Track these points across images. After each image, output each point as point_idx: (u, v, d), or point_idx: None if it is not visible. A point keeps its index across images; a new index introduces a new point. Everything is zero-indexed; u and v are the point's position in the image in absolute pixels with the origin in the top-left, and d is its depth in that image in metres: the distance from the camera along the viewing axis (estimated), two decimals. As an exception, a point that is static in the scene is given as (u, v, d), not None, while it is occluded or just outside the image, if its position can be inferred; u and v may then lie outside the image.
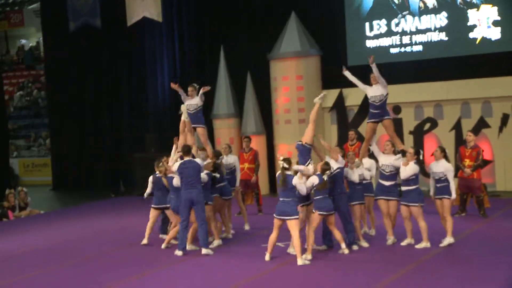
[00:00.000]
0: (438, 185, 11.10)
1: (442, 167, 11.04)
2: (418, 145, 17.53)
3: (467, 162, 13.22)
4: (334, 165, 10.81)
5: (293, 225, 10.21)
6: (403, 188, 10.94)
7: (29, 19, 34.02)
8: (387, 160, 11.19)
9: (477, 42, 17.10)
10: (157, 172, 12.06)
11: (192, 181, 11.15)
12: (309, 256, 10.43)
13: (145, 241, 12.23)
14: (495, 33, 16.94)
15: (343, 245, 10.72)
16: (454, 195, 10.97)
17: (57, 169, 23.20)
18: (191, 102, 12.66)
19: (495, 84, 16.81)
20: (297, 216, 10.26)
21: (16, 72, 34.39)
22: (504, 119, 16.89)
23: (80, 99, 22.62)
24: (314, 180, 10.56)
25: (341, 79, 18.94)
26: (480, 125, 17.02)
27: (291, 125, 18.62)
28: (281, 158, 10.50)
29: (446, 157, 11.15)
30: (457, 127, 17.36)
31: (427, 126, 17.78)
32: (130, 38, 21.75)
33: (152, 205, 12.36)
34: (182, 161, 11.36)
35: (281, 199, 10.39)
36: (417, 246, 10.82)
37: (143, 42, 21.65)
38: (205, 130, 12.77)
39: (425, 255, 10.34)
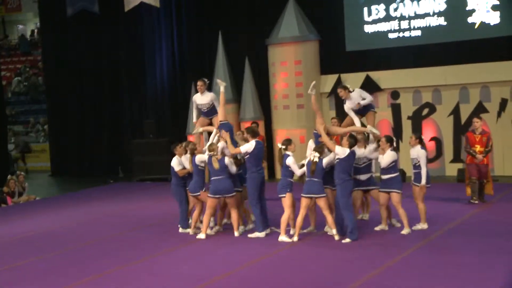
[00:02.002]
0: (414, 171, 11.33)
1: (416, 153, 11.22)
2: (417, 131, 17.57)
3: (478, 148, 13.17)
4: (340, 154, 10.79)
5: (321, 203, 10.65)
6: (383, 177, 11.04)
7: (27, 4, 33.85)
8: (359, 152, 11.25)
9: (476, 26, 17.04)
10: (210, 153, 11.37)
11: (260, 162, 11.31)
12: (296, 239, 10.80)
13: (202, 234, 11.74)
14: (494, 18, 16.88)
15: (333, 231, 10.81)
16: (423, 182, 11.11)
17: (55, 155, 23.20)
18: (203, 102, 12.36)
19: (493, 69, 16.78)
20: (323, 194, 10.67)
21: (14, 58, 34.30)
22: (503, 104, 16.88)
23: (79, 85, 22.57)
24: (305, 162, 10.94)
25: (339, 64, 19.14)
26: (479, 110, 17.01)
27: (289, 110, 18.63)
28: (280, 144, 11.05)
29: (421, 143, 11.30)
30: (456, 112, 17.36)
31: (426, 111, 17.78)
32: (128, 24, 21.67)
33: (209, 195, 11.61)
34: (257, 142, 11.35)
35: (307, 179, 10.81)
36: (402, 232, 10.91)
37: (141, 27, 21.56)
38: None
39: (418, 242, 10.38)
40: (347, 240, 10.62)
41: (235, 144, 11.77)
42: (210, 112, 12.44)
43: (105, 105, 22.33)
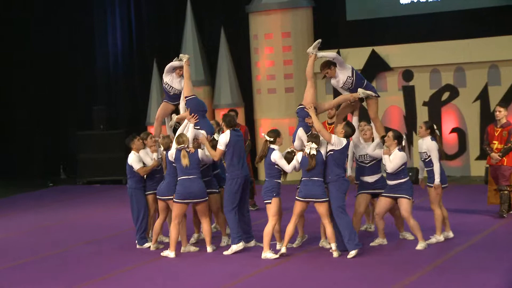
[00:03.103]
0: (426, 168, 11.36)
1: (425, 146, 11.24)
2: (435, 120, 17.55)
3: (496, 144, 12.90)
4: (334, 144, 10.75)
5: (321, 209, 10.65)
6: (390, 182, 10.98)
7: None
8: (364, 149, 11.27)
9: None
10: (180, 146, 11.26)
11: (240, 157, 11.33)
12: (284, 251, 10.75)
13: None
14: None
15: (333, 246, 10.69)
16: (437, 180, 11.11)
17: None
18: (177, 87, 12.36)
19: (531, 42, 16.87)
20: (326, 198, 10.65)
21: None
22: (543, 86, 16.98)
23: (8, 70, 22.27)
24: (298, 157, 10.83)
25: (338, 37, 19.10)
26: (512, 95, 17.05)
27: (276, 95, 18.55)
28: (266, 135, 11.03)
29: (432, 134, 11.28)
30: (483, 96, 17.35)
31: (446, 95, 17.75)
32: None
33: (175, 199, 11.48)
34: (233, 131, 11.32)
35: (303, 178, 10.79)
36: (417, 248, 10.86)
37: (91, 1, 21.49)
38: None
39: (435, 260, 10.31)
40: (352, 253, 10.52)
41: (209, 128, 11.70)
42: (178, 97, 12.38)
43: (41, 88, 22.09)
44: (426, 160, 11.26)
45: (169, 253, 11.27)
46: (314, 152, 10.60)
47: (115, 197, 17.53)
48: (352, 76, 11.37)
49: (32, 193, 19.09)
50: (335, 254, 10.64)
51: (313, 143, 10.66)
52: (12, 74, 22.26)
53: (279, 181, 10.98)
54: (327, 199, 10.69)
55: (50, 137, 22.07)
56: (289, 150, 11.12)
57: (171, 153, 11.44)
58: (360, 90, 11.30)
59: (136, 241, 12.04)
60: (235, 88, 19.04)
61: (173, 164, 11.45)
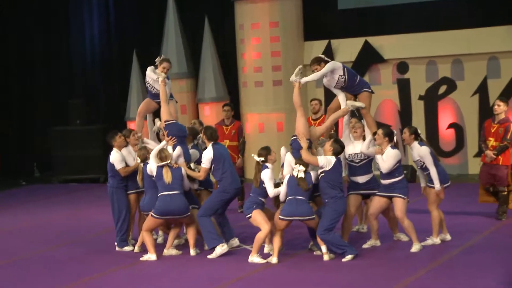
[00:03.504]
0: (424, 172, 11.40)
1: (416, 153, 11.26)
2: (431, 115, 17.69)
3: (491, 142, 12.83)
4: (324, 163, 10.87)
5: (311, 224, 10.87)
6: (384, 181, 11.09)
7: None
8: (354, 148, 11.36)
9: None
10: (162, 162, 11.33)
11: (233, 170, 11.60)
12: (275, 261, 10.81)
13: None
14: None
15: (323, 248, 10.81)
16: (437, 186, 11.13)
17: None
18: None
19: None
20: (313, 216, 10.76)
21: None
22: (544, 79, 17.11)
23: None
24: (285, 179, 10.94)
25: (329, 27, 19.12)
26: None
27: (263, 88, 18.60)
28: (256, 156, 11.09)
29: (418, 139, 11.29)
30: (482, 90, 17.45)
31: (443, 89, 17.85)
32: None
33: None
34: (215, 144, 11.45)
35: (289, 197, 10.85)
36: (412, 250, 10.96)
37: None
38: (174, 104, 12.47)
39: (430, 262, 10.42)
40: (348, 257, 10.66)
41: (187, 156, 11.74)
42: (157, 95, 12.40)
43: (12, 79, 22.04)
44: (423, 167, 11.28)
45: (150, 256, 11.34)
46: (302, 175, 10.69)
47: (92, 196, 17.51)
48: (344, 74, 11.42)
49: (3, 193, 19.00)
50: (326, 257, 10.75)
51: (301, 165, 10.73)
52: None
53: (263, 199, 11.03)
54: (314, 216, 10.76)
55: (22, 133, 22.03)
56: (280, 181, 11.18)
57: (150, 169, 11.42)
58: (348, 102, 11.37)
59: (116, 243, 12.06)
60: (220, 81, 19.03)
61: (152, 179, 11.50)
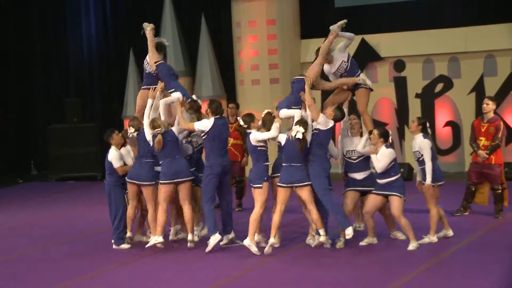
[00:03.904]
0: (419, 167, 11.43)
1: (417, 144, 11.29)
2: (428, 113, 17.66)
3: (482, 141, 12.80)
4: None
5: (304, 194, 10.92)
6: (380, 181, 11.10)
7: None
8: (351, 145, 11.40)
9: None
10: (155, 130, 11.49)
11: (221, 148, 11.45)
12: (274, 241, 10.91)
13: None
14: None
15: (321, 231, 10.87)
16: (428, 180, 11.14)
17: None
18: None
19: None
20: (308, 182, 10.88)
21: None
22: (540, 77, 17.11)
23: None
24: (281, 138, 10.96)
25: (325, 25, 19.03)
26: (509, 85, 17.11)
27: (260, 86, 18.61)
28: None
29: (425, 130, 11.33)
30: (479, 88, 17.47)
31: (440, 87, 17.87)
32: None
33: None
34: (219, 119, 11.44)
35: (284, 164, 11.01)
36: (409, 248, 10.95)
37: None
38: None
39: (428, 260, 10.41)
40: (349, 230, 10.77)
41: (183, 91, 11.93)
42: (152, 77, 12.44)
43: (10, 77, 22.04)
44: (420, 159, 11.30)
45: (157, 239, 11.39)
46: (300, 136, 10.73)
47: (89, 194, 17.54)
48: (347, 62, 11.53)
49: (0, 190, 19.05)
50: (326, 243, 10.88)
51: (301, 127, 10.78)
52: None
53: (267, 164, 11.12)
54: (310, 182, 10.89)
55: (20, 131, 22.02)
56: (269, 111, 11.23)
57: (149, 138, 11.58)
58: (362, 75, 11.51)
59: (113, 241, 12.05)
60: (216, 79, 19.04)
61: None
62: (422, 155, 11.22)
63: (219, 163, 11.38)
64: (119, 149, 12.01)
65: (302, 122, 10.87)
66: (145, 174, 11.67)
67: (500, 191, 12.78)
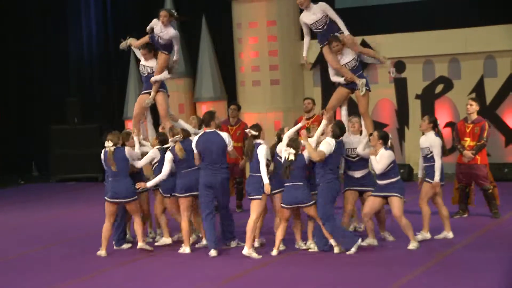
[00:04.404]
0: (424, 164, 11.47)
1: (428, 141, 11.33)
2: (428, 113, 17.53)
3: (468, 141, 12.87)
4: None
5: (311, 212, 10.93)
6: (381, 182, 11.10)
7: None
8: (351, 144, 11.43)
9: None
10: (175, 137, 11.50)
11: (217, 160, 11.22)
12: (276, 253, 10.95)
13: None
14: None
15: (332, 242, 10.87)
16: (437, 178, 11.20)
17: None
18: (163, 35, 12.65)
19: (529, 32, 16.96)
20: (312, 202, 10.86)
21: None
22: (540, 78, 17.09)
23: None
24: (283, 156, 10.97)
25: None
26: (509, 86, 17.10)
27: (260, 87, 18.59)
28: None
29: (435, 129, 11.41)
30: (479, 89, 17.46)
31: (440, 88, 17.87)
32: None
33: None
34: (202, 132, 11.36)
35: (286, 184, 10.93)
36: (409, 248, 10.97)
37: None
38: (165, 97, 12.55)
39: (429, 260, 10.42)
40: (352, 250, 10.74)
41: None
42: (164, 46, 12.65)
43: (11, 79, 22.04)
44: (428, 156, 11.33)
45: (185, 249, 11.41)
46: (292, 157, 10.71)
47: (90, 195, 17.54)
48: (357, 61, 11.82)
49: (1, 192, 19.09)
50: (336, 250, 10.85)
51: (292, 148, 10.76)
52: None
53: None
54: (314, 202, 10.87)
55: (21, 132, 22.03)
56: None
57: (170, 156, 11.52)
58: (363, 81, 11.63)
59: (114, 242, 12.04)
60: (217, 80, 19.05)
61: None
62: (431, 152, 11.26)
63: (205, 176, 11.28)
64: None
65: (293, 141, 10.85)
66: (126, 190, 11.51)
67: (491, 190, 12.84)
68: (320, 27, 11.98)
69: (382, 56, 11.99)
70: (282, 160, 10.92)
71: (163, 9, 12.75)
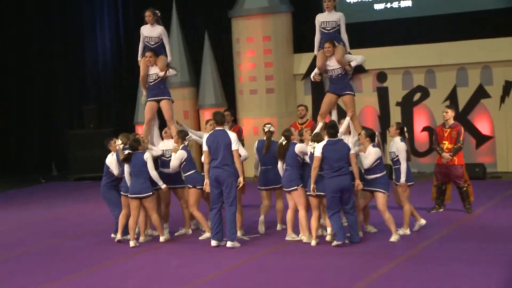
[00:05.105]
0: (393, 167, 11.48)
1: (394, 146, 11.34)
2: (407, 119, 17.68)
3: (446, 144, 12.91)
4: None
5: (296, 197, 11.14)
6: (367, 177, 11.13)
7: None
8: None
9: (477, -4, 17.20)
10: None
11: (225, 156, 11.08)
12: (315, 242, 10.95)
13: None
14: (497, -14, 17.05)
15: (328, 230, 10.92)
16: (403, 179, 11.19)
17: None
18: (152, 34, 12.57)
19: (496, 47, 16.90)
20: (295, 187, 11.07)
21: None
22: (507, 87, 17.03)
23: (2, 66, 22.20)
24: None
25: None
26: (479, 95, 17.14)
27: (257, 96, 18.60)
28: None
29: (402, 134, 11.39)
30: (452, 97, 17.48)
31: (417, 96, 17.89)
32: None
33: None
34: (212, 131, 11.34)
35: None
36: (391, 240, 10.96)
37: (80, 2, 21.50)
38: (170, 104, 12.52)
39: (409, 251, 10.46)
40: (334, 243, 10.74)
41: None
42: (157, 48, 12.52)
43: (35, 87, 22.04)
44: (394, 160, 11.37)
45: (206, 234, 11.61)
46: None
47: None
48: (344, 71, 11.75)
49: (24, 189, 19.09)
50: (328, 238, 10.91)
51: (316, 142, 10.85)
52: (7, 74, 22.16)
53: (300, 172, 11.19)
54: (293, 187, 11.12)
55: (43, 135, 22.03)
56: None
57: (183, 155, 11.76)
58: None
59: (119, 233, 11.90)
60: (218, 89, 19.05)
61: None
62: (397, 156, 11.28)
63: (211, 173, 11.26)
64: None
65: (317, 137, 10.95)
66: (145, 187, 11.53)
67: (465, 188, 12.89)
68: (329, 27, 11.87)
69: (348, 65, 11.79)
70: (309, 155, 10.95)
71: (147, 10, 12.62)
